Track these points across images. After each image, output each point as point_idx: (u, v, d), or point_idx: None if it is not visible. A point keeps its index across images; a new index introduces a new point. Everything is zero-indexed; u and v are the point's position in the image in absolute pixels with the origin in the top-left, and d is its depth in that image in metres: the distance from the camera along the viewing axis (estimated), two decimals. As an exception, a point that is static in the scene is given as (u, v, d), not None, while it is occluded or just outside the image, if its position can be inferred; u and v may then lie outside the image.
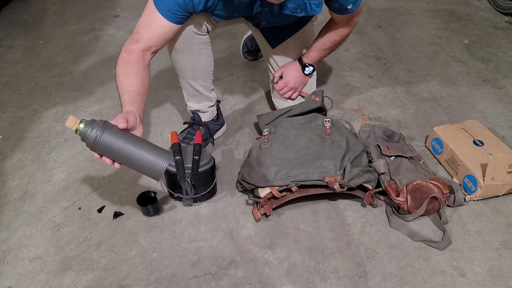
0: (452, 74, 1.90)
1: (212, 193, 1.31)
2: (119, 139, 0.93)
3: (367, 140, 1.40)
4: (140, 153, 0.95)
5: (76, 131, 0.93)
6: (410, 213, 1.20)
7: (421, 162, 1.31)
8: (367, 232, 1.20)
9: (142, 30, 1.14)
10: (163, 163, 0.97)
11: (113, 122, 0.95)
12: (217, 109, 1.54)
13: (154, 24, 1.13)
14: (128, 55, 1.11)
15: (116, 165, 0.97)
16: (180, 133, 1.47)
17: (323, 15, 1.32)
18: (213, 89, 1.46)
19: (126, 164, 0.97)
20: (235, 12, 1.24)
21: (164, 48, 1.22)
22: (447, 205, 1.25)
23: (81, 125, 0.92)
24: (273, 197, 1.21)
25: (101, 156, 0.96)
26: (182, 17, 1.15)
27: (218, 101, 1.53)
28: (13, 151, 1.53)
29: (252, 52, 1.95)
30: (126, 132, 0.95)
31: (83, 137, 0.92)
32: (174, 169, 1.21)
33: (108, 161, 0.96)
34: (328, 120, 1.29)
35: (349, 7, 1.20)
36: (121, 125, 0.93)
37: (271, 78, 1.57)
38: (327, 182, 1.15)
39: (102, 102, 1.77)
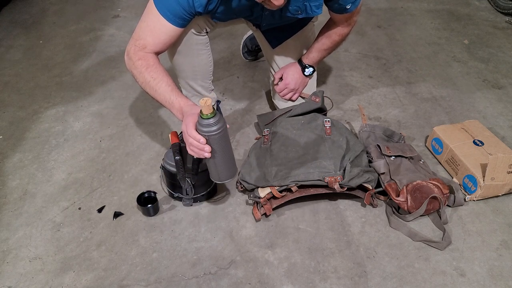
0: (452, 74, 1.90)
1: (212, 193, 1.31)
2: (227, 140, 1.02)
3: (367, 140, 1.40)
4: (227, 158, 1.05)
5: (203, 115, 0.96)
6: (410, 213, 1.20)
7: (421, 162, 1.31)
8: (367, 232, 1.20)
9: (146, 36, 1.12)
10: (227, 177, 1.09)
11: None
12: (217, 109, 1.54)
13: (159, 30, 1.12)
14: (145, 61, 1.11)
15: (207, 154, 1.01)
16: (180, 133, 1.47)
17: (324, 15, 1.32)
18: (212, 89, 1.46)
19: (213, 157, 1.03)
20: (235, 14, 1.24)
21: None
22: (447, 205, 1.25)
23: (214, 113, 0.96)
24: (273, 197, 1.21)
25: (206, 142, 0.99)
26: (187, 20, 1.14)
27: (218, 101, 1.53)
28: (13, 151, 1.53)
29: (252, 52, 1.95)
30: (228, 136, 1.04)
31: (209, 124, 0.97)
32: (174, 169, 1.21)
33: (207, 148, 0.99)
34: (328, 120, 1.30)
35: (348, 6, 1.21)
36: (228, 126, 1.03)
37: (272, 79, 1.57)
38: (327, 182, 1.15)
39: (102, 102, 1.77)
